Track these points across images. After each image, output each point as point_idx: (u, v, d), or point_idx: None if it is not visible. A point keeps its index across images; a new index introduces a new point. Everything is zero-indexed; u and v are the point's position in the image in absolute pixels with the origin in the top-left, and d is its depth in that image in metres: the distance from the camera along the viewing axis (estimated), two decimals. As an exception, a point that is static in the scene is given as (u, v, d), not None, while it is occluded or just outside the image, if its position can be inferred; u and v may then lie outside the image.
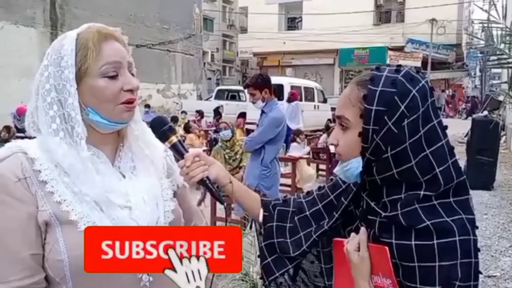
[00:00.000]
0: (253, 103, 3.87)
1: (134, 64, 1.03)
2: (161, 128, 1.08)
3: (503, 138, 8.34)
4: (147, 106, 14.18)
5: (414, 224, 0.90)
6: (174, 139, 1.08)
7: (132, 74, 1.01)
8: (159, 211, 1.03)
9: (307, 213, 1.16)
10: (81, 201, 0.93)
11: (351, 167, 0.98)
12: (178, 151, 1.09)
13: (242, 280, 2.66)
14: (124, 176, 1.03)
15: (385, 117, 0.90)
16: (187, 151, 1.09)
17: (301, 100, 14.23)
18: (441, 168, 0.91)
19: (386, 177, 0.94)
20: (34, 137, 1.00)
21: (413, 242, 0.90)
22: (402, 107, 0.90)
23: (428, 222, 0.89)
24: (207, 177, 1.09)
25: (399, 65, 0.98)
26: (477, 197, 6.33)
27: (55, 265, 0.90)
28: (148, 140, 1.08)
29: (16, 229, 0.89)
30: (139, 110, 1.06)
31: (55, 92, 0.94)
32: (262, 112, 3.89)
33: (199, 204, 4.88)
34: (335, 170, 1.06)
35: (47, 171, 0.93)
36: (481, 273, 0.92)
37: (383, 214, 0.94)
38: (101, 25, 1.00)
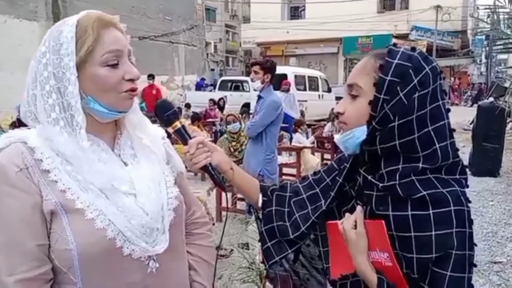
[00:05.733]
0: (252, 80, 4.11)
1: (132, 52, 1.01)
2: (165, 113, 1.08)
3: (509, 125, 8.29)
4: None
5: (411, 194, 0.93)
6: (178, 124, 1.09)
7: (131, 63, 0.99)
8: (163, 198, 1.03)
9: (304, 196, 1.18)
10: (86, 189, 0.92)
11: (354, 136, 1.00)
12: (182, 137, 1.10)
13: (249, 268, 2.68)
14: (126, 164, 1.02)
15: (398, 88, 0.94)
16: (190, 137, 1.10)
17: (305, 89, 14.14)
18: (440, 145, 0.95)
19: (387, 148, 0.97)
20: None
21: (409, 212, 0.94)
22: (415, 81, 0.94)
23: (424, 192, 0.92)
24: (210, 164, 1.11)
25: (414, 47, 1.01)
26: (483, 183, 6.31)
27: (63, 255, 0.90)
28: (146, 128, 1.08)
29: (22, 220, 0.88)
30: (136, 101, 1.05)
31: (54, 80, 0.92)
32: (259, 97, 4.11)
33: (209, 194, 4.92)
34: (335, 139, 1.07)
35: (49, 160, 0.92)
36: (476, 245, 0.96)
37: (381, 185, 0.97)
38: (100, 12, 0.98)
